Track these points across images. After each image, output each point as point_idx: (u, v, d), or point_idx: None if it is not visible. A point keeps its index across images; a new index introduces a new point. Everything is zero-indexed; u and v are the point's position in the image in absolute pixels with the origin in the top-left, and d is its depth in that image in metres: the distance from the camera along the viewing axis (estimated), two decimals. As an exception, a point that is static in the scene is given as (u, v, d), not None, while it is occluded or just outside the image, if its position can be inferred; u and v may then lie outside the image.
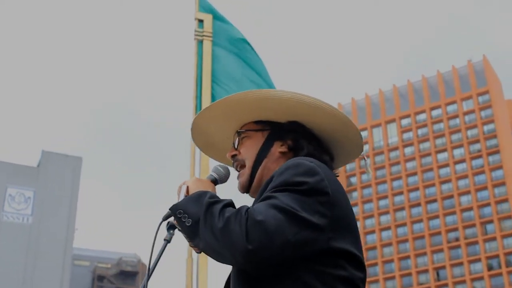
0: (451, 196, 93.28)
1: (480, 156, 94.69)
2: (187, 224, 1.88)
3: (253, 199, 2.15)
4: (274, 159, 2.17)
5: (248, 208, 1.83)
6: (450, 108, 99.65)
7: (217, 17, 6.78)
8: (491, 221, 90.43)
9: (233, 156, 2.25)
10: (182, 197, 2.01)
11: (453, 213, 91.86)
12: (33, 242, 37.33)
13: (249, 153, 2.20)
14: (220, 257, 1.86)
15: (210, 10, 6.77)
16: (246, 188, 2.22)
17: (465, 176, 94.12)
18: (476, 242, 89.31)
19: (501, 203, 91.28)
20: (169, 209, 1.96)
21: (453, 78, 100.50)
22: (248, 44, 6.83)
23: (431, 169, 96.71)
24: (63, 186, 38.51)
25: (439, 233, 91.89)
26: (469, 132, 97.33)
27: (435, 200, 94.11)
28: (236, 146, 2.25)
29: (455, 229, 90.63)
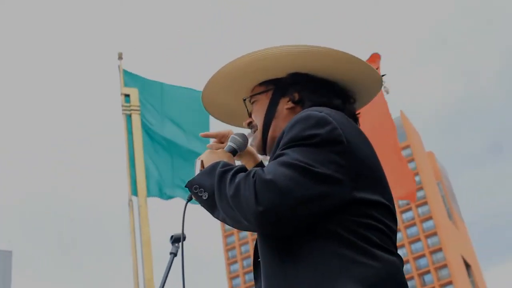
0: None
1: (409, 209, 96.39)
2: (204, 198, 1.83)
3: None
4: (283, 117, 2.06)
5: (257, 170, 1.73)
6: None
7: (143, 88, 6.77)
8: (428, 272, 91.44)
9: (249, 124, 2.18)
10: (197, 172, 1.96)
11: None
12: None
13: (258, 116, 2.11)
14: (239, 225, 1.82)
15: (135, 83, 6.75)
16: (260, 151, 2.14)
17: (397, 230, 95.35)
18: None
19: (436, 253, 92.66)
20: (185, 186, 1.91)
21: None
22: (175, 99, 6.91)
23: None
24: (-7, 284, 37.08)
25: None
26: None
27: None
28: (249, 113, 2.19)
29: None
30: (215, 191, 1.79)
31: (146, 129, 6.57)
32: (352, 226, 1.72)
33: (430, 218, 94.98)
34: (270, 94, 2.11)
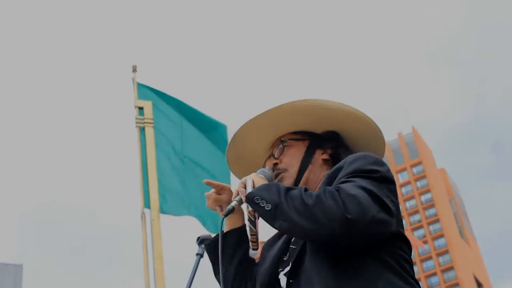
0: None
1: (421, 227, 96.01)
2: (267, 209, 1.97)
3: None
4: (318, 165, 2.33)
5: (339, 185, 1.93)
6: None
7: (158, 101, 6.76)
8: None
9: (274, 165, 2.36)
10: (250, 188, 2.09)
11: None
12: None
13: (293, 160, 2.34)
14: (310, 234, 1.92)
15: (149, 96, 6.75)
16: None
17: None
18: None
19: (447, 271, 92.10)
20: (245, 196, 2.06)
21: (386, 152, 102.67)
22: (191, 119, 6.86)
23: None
24: (3, 298, 37.14)
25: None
26: (408, 204, 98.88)
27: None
28: (276, 155, 2.39)
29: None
30: (281, 203, 1.94)
31: (160, 143, 6.54)
32: (395, 255, 1.99)
33: (441, 235, 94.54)
34: (306, 143, 2.38)
